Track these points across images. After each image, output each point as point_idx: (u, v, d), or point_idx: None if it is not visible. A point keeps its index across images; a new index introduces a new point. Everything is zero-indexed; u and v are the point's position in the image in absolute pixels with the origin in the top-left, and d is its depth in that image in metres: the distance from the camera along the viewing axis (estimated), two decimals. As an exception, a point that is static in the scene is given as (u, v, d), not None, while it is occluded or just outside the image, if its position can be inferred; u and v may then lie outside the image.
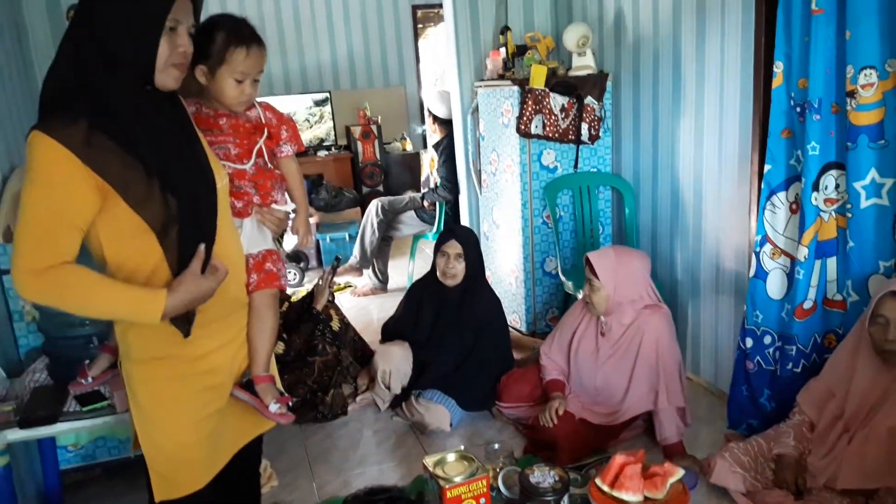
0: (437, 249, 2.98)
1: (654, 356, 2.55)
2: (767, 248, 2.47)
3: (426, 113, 4.64)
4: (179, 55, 1.38)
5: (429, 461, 2.17)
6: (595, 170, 3.70)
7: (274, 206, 1.80)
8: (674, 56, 3.14)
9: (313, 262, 5.14)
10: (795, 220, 2.40)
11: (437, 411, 2.80)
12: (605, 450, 2.65)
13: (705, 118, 2.99)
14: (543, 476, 2.27)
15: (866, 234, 2.24)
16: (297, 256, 4.81)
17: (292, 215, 2.06)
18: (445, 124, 4.34)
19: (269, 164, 1.79)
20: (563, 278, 3.49)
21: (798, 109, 2.33)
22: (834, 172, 2.30)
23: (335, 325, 3.06)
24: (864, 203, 2.22)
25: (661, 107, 3.28)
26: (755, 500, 2.23)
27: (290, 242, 4.86)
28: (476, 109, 3.97)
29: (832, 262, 2.37)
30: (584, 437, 2.59)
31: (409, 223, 4.55)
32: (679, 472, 1.99)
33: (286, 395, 1.75)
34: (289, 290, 4.41)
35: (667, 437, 2.56)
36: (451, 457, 2.18)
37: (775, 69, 2.36)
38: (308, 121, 6.01)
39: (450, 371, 2.91)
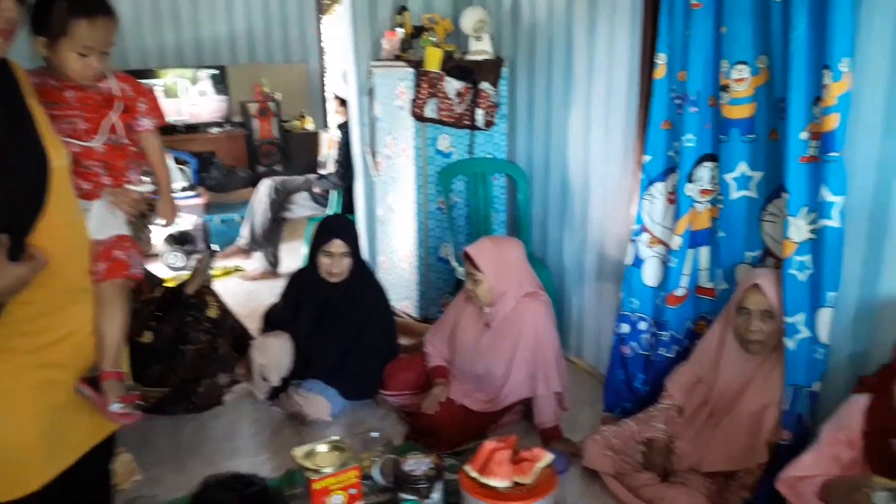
0: (319, 248, 2.85)
1: (532, 343, 2.56)
2: (644, 236, 2.52)
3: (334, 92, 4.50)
4: (1, 20, 1.24)
5: (298, 452, 2.09)
6: (490, 156, 3.69)
7: (128, 186, 1.68)
8: (566, 44, 3.15)
9: (201, 245, 4.90)
10: (672, 210, 2.45)
11: (316, 401, 2.72)
12: (486, 435, 2.64)
13: (593, 107, 3.01)
14: (418, 464, 2.23)
15: (736, 225, 2.31)
16: (182, 239, 4.57)
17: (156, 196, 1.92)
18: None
19: (125, 141, 1.65)
20: (455, 265, 3.47)
21: (678, 101, 2.37)
22: (709, 164, 2.35)
23: (212, 312, 2.90)
24: (734, 195, 2.29)
25: (555, 94, 3.29)
26: (624, 483, 2.28)
27: (179, 225, 4.66)
28: (372, 91, 3.87)
29: (705, 252, 2.43)
30: (465, 423, 2.58)
31: (303, 205, 4.41)
32: (548, 457, 2.00)
33: (135, 392, 1.64)
34: (171, 275, 4.20)
35: (544, 422, 2.58)
36: (322, 447, 2.11)
37: (658, 61, 2.39)
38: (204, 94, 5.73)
39: (332, 362, 2.82)
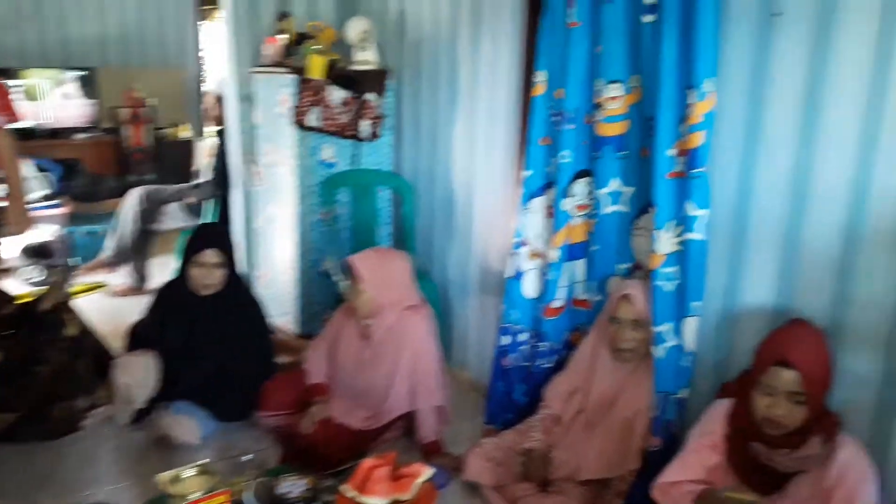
0: (190, 259, 2.68)
1: (413, 356, 2.53)
2: (524, 249, 2.55)
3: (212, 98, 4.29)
4: None
5: (163, 478, 1.96)
6: (376, 168, 3.64)
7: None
8: (451, 58, 3.16)
9: (63, 258, 4.52)
10: (550, 224, 2.50)
11: (185, 424, 2.54)
12: (367, 454, 2.58)
13: (477, 121, 3.04)
14: (293, 486, 2.14)
15: (608, 238, 2.39)
16: (41, 251, 4.21)
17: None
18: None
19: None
20: (336, 278, 3.38)
21: (556, 118, 2.42)
22: (585, 180, 2.42)
23: (71, 329, 2.67)
24: (607, 209, 2.37)
25: (440, 108, 3.29)
26: (504, 494, 2.28)
27: (38, 236, 4.29)
28: (251, 97, 3.73)
29: (581, 264, 2.49)
30: (345, 442, 2.50)
31: (175, 216, 4.17)
32: (427, 472, 1.96)
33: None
34: (29, 290, 3.85)
35: (425, 436, 2.55)
36: (189, 472, 1.98)
37: (537, 79, 2.44)
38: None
39: (203, 382, 2.66)
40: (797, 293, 1.89)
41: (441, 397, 2.56)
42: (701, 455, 1.80)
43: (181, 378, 2.64)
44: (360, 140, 3.52)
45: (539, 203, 2.53)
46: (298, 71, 3.36)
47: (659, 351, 2.12)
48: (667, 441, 2.13)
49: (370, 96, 3.47)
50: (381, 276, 2.52)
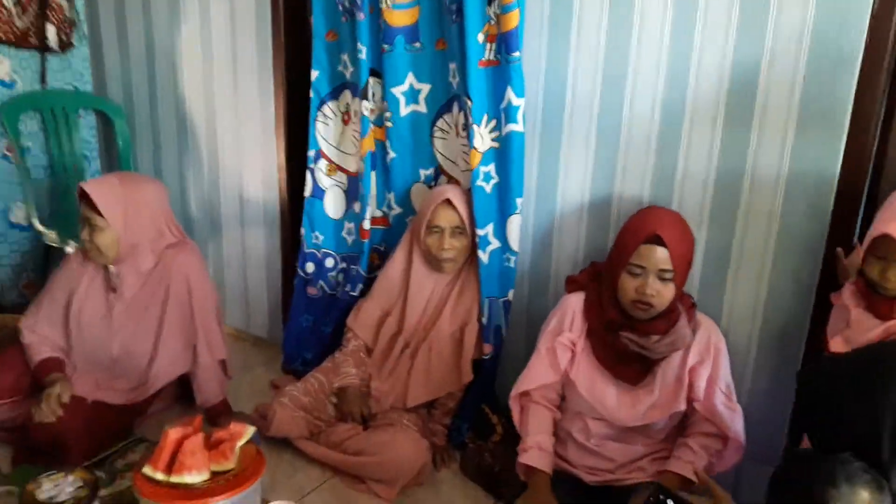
0: None
1: (186, 303, 2.04)
2: (322, 163, 2.22)
3: None
4: None
5: None
6: (72, 88, 2.88)
7: None
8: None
9: None
10: (349, 132, 2.18)
11: None
12: (133, 432, 2.06)
13: (213, 31, 2.53)
14: (58, 486, 1.60)
15: (406, 143, 2.16)
16: None
17: None
18: None
19: None
20: (41, 228, 2.62)
21: (343, 6, 2.09)
22: (374, 79, 2.14)
23: None
24: (404, 111, 2.13)
25: (156, 8, 2.68)
26: (321, 442, 1.99)
27: None
28: None
29: (373, 177, 2.23)
30: (104, 424, 1.95)
31: None
32: (248, 431, 1.59)
33: None
34: None
35: (208, 398, 2.11)
36: None
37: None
38: None
39: None
40: (619, 179, 1.89)
41: (224, 348, 2.12)
42: (556, 356, 1.71)
43: None
44: (47, 51, 2.74)
45: (332, 108, 2.21)
46: (-57, -49, 2.46)
47: (483, 255, 2.00)
48: (497, 347, 2.03)
49: (56, -7, 2.70)
50: (129, 206, 1.94)
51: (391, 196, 2.23)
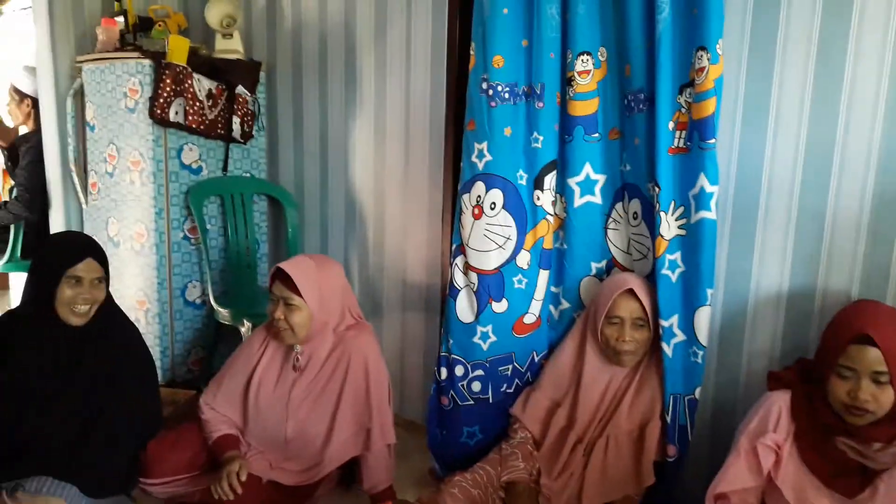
0: (58, 276, 1.91)
1: (363, 386, 2.04)
2: (460, 260, 2.14)
3: (9, 94, 3.39)
4: None
5: None
6: (248, 174, 3.08)
7: None
8: (346, 46, 2.76)
9: None
10: (481, 227, 2.09)
11: (51, 506, 1.80)
12: (302, 515, 2.05)
13: (388, 116, 2.66)
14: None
15: (580, 235, 2.11)
16: None
17: None
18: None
19: None
20: (215, 307, 2.76)
21: (489, 92, 2.03)
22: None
23: None
24: (578, 201, 2.10)
25: (332, 105, 2.86)
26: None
27: None
28: (81, 91, 3.00)
29: (544, 275, 2.16)
30: (277, 505, 1.95)
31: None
32: None
33: None
34: None
35: (376, 484, 2.07)
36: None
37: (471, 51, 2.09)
38: None
39: (65, 447, 1.91)
40: (823, 271, 1.77)
41: (394, 434, 2.10)
42: (758, 458, 1.57)
43: (31, 446, 1.88)
44: (231, 141, 2.96)
45: (465, 201, 2.11)
46: (153, 55, 2.74)
47: (667, 348, 1.89)
48: (683, 448, 1.89)
49: (242, 89, 2.94)
50: (324, 287, 2.01)
51: (559, 290, 2.17)
